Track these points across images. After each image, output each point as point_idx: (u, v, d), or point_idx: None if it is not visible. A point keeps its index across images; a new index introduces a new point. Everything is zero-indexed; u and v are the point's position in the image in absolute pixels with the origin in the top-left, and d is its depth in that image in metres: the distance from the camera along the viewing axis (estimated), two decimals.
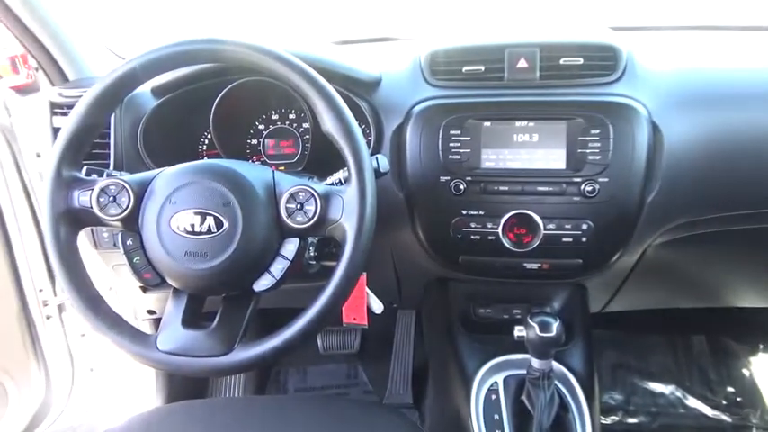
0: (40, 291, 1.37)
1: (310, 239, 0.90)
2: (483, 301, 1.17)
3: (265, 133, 1.19)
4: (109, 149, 1.05)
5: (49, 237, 0.79)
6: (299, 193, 0.77)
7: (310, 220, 0.76)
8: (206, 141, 1.20)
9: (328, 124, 0.77)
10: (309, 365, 1.72)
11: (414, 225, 1.05)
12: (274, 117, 1.19)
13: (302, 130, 1.18)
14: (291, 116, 1.19)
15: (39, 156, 1.28)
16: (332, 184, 0.88)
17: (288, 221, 0.77)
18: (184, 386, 1.59)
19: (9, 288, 1.31)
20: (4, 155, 1.25)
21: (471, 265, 1.04)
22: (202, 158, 1.21)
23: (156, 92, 1.09)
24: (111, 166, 1.05)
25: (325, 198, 0.77)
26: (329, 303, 0.75)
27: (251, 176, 0.79)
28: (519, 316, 1.14)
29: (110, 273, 1.30)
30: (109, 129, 1.06)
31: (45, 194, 0.79)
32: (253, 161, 1.19)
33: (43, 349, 1.40)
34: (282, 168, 1.19)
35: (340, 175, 0.88)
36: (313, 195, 0.76)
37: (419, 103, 1.02)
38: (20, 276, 1.33)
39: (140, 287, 1.28)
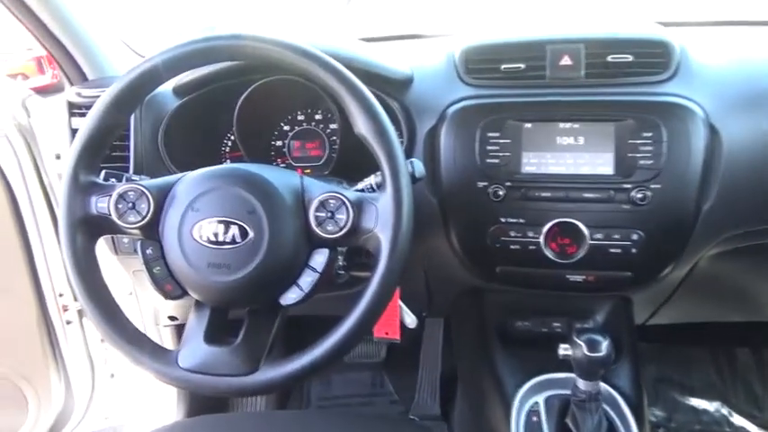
0: (60, 295, 1.34)
1: (340, 249, 0.85)
2: (520, 313, 1.11)
3: (291, 134, 1.14)
4: (128, 152, 1.01)
5: (65, 245, 0.75)
6: (330, 201, 0.72)
7: (341, 229, 0.71)
8: (229, 143, 1.16)
9: (361, 126, 0.72)
10: (333, 374, 1.67)
11: (448, 232, 0.99)
12: (300, 118, 1.14)
13: (329, 131, 1.13)
14: (318, 117, 1.13)
15: (58, 157, 1.25)
16: (363, 190, 0.83)
17: (317, 231, 0.72)
18: (206, 396, 1.55)
19: (28, 293, 1.28)
20: (24, 156, 1.22)
21: (510, 277, 0.97)
22: (225, 160, 1.16)
23: (178, 91, 1.04)
24: (131, 170, 1.01)
25: (358, 206, 0.71)
26: (362, 320, 0.69)
27: (277, 182, 0.74)
28: (559, 330, 1.07)
29: (130, 278, 1.26)
30: (129, 130, 1.02)
31: (61, 200, 0.75)
32: (277, 164, 1.14)
33: (63, 355, 1.37)
34: (309, 171, 1.14)
35: (372, 180, 0.82)
36: (344, 203, 0.71)
37: (454, 103, 0.96)
38: (39, 281, 1.30)
39: None
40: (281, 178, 0.75)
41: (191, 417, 1.46)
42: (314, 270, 0.73)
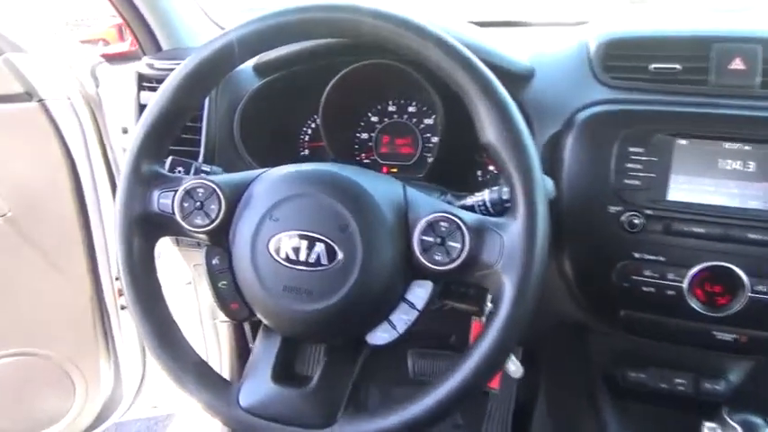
0: (117, 279, 1.25)
1: None
2: (634, 361, 0.93)
3: (379, 127, 0.99)
4: (200, 135, 0.89)
5: (120, 244, 0.63)
6: (441, 223, 0.57)
7: (453, 260, 0.56)
8: (309, 131, 1.03)
9: (491, 133, 0.56)
10: (394, 387, 1.53)
11: (560, 259, 0.82)
12: (391, 109, 0.99)
13: (423, 126, 0.98)
14: (411, 109, 0.98)
15: (125, 131, 1.15)
16: (472, 208, 0.67)
17: (422, 259, 0.57)
18: None
19: (83, 273, 1.20)
20: (88, 127, 1.12)
21: (637, 324, 0.80)
22: (303, 151, 1.03)
23: (260, 70, 0.92)
24: (201, 157, 0.89)
25: (477, 233, 0.56)
26: (473, 379, 0.55)
27: (378, 193, 0.59)
28: (682, 388, 0.89)
29: (190, 270, 1.16)
30: (202, 110, 0.90)
31: (119, 192, 0.64)
32: (361, 159, 1.00)
33: (115, 341, 1.29)
34: (395, 170, 0.99)
35: (486, 196, 0.67)
36: (460, 228, 0.56)
37: (587, 106, 0.79)
38: (96, 261, 1.21)
39: None
40: (381, 188, 0.61)
41: None
42: (412, 306, 0.59)
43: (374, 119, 1.00)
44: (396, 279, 0.59)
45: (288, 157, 1.03)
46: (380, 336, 0.60)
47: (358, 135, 1.00)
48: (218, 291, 0.63)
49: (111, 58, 1.19)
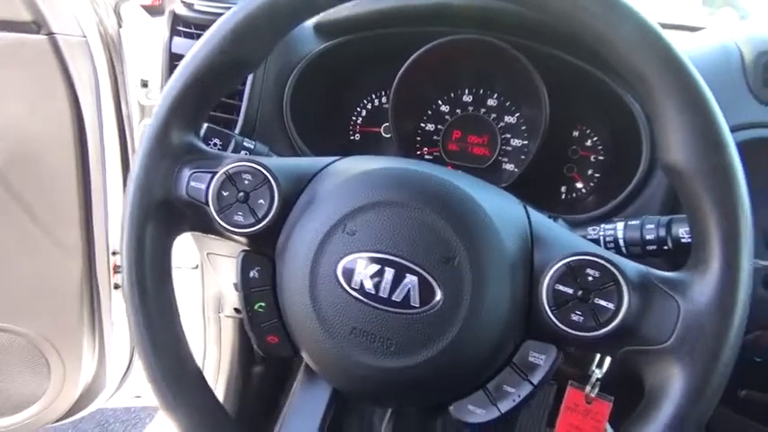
0: (114, 254, 1.08)
1: None
2: None
3: (449, 120, 0.82)
4: (240, 101, 0.71)
5: (128, 238, 0.46)
6: (588, 270, 0.40)
7: (599, 326, 0.40)
8: (363, 113, 0.86)
9: (684, 153, 0.39)
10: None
11: None
12: (465, 99, 0.82)
13: (502, 125, 0.81)
14: (491, 102, 0.81)
15: (145, 85, 0.98)
16: (596, 243, 0.51)
17: (551, 317, 0.41)
18: (256, 393, 1.28)
19: (77, 244, 1.03)
20: (103, 74, 0.95)
21: (756, 407, 0.64)
22: (353, 136, 0.86)
23: (324, 30, 0.74)
24: (238, 127, 0.71)
25: (641, 292, 0.39)
26: None
27: (498, 217, 0.43)
28: None
29: (201, 257, 1.00)
30: None
31: (137, 166, 0.47)
32: (422, 153, 0.84)
33: (102, 324, 1.12)
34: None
35: (619, 230, 0.50)
36: (617, 281, 0.39)
37: (741, 128, 0.62)
38: (93, 231, 1.04)
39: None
40: (501, 209, 0.44)
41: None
42: (523, 377, 0.42)
43: (444, 108, 0.83)
44: (507, 337, 0.42)
45: (335, 141, 0.86)
46: (472, 411, 0.43)
47: (422, 125, 0.84)
48: (252, 315, 0.47)
49: None
